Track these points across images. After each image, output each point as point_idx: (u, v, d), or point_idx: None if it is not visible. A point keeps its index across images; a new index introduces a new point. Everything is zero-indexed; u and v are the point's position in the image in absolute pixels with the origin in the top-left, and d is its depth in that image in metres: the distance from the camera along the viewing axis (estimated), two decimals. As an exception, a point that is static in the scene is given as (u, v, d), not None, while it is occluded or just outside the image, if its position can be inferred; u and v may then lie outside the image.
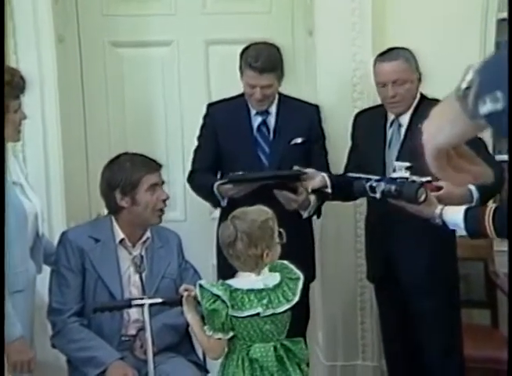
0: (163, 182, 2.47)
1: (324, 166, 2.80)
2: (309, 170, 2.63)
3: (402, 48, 2.66)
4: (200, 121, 2.95)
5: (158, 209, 2.40)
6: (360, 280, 3.19)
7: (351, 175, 2.57)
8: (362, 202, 3.08)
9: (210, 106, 2.91)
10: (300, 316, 2.81)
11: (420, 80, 2.67)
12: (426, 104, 2.61)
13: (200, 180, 2.83)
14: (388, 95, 2.60)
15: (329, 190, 2.66)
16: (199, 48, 3.38)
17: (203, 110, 3.36)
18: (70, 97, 3.23)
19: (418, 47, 2.91)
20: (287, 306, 2.10)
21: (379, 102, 2.80)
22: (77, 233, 2.41)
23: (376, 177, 2.38)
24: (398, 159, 2.60)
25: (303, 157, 2.75)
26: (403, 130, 2.65)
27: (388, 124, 2.70)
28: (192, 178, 2.88)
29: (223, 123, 2.83)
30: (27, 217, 2.27)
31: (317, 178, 2.63)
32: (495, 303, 3.12)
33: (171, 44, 3.38)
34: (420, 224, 2.47)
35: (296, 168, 2.62)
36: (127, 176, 2.34)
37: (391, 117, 2.69)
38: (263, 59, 2.64)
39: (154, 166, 2.41)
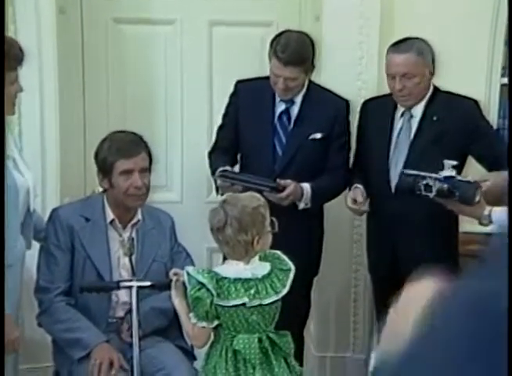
0: (147, 169, 2.39)
1: (339, 166, 2.72)
2: (286, 183, 2.54)
3: (418, 39, 2.58)
4: (202, 106, 2.90)
5: (132, 194, 2.34)
6: (355, 271, 3.16)
7: (407, 171, 2.42)
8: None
9: (238, 83, 2.83)
10: (300, 311, 2.80)
11: (433, 73, 2.60)
12: (440, 96, 2.58)
13: (213, 160, 2.77)
14: (396, 88, 2.55)
15: (302, 205, 2.61)
16: (202, 28, 3.32)
17: (205, 92, 3.35)
18: (70, 71, 3.17)
19: (426, 38, 2.87)
20: (275, 298, 2.06)
21: (383, 92, 2.75)
22: (68, 210, 2.37)
23: (434, 175, 2.30)
24: (409, 152, 2.58)
25: (320, 153, 2.68)
26: (415, 121, 2.60)
27: (399, 115, 2.64)
28: (210, 156, 2.82)
29: (247, 103, 2.76)
30: (19, 192, 2.23)
31: (290, 194, 2.54)
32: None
33: (174, 22, 3.32)
34: (428, 226, 2.52)
35: (278, 181, 2.55)
36: (103, 159, 2.31)
37: (401, 107, 2.63)
38: (290, 51, 2.55)
39: (132, 151, 2.33)
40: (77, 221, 2.32)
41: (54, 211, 2.38)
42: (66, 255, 2.29)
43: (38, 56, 2.88)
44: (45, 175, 2.95)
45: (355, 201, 2.73)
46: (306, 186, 2.63)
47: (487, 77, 3.13)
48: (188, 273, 2.01)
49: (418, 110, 2.59)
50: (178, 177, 3.32)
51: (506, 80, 3.14)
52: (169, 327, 2.40)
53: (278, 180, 2.56)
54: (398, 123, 2.64)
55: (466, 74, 3.09)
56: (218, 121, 2.95)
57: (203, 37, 3.32)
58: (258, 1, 3.32)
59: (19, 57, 2.20)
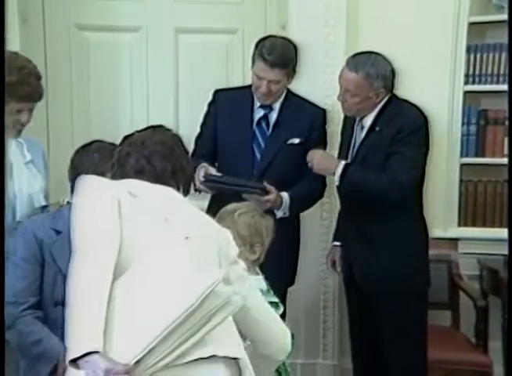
0: None
1: (316, 174, 2.70)
2: (271, 189, 2.57)
3: (375, 56, 2.56)
4: (167, 113, 2.89)
5: None
6: (323, 278, 3.18)
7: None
8: (327, 201, 3.06)
9: (216, 92, 2.84)
10: None
11: (390, 90, 2.60)
12: (393, 105, 2.60)
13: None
14: (339, 97, 2.62)
15: (280, 214, 2.64)
16: (168, 36, 3.30)
17: (171, 100, 3.32)
18: (33, 80, 3.10)
19: (390, 47, 2.91)
20: None
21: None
22: (37, 223, 2.29)
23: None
24: (352, 161, 2.62)
25: (297, 158, 2.68)
26: (364, 132, 2.63)
27: (356, 125, 2.68)
28: None
29: (225, 111, 2.77)
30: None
31: (273, 199, 2.57)
32: (457, 305, 3.14)
33: (139, 30, 3.29)
34: (381, 229, 2.55)
35: (265, 183, 2.58)
36: (93, 168, 2.24)
37: (357, 117, 2.66)
38: (277, 53, 2.60)
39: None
40: (47, 234, 2.24)
41: (22, 224, 2.31)
42: (36, 269, 2.22)
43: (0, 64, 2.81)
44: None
45: (334, 263, 2.84)
46: (285, 194, 2.65)
47: (450, 85, 3.18)
48: None
49: (368, 122, 2.62)
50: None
51: (469, 87, 3.20)
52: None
53: (265, 183, 2.58)
54: (356, 133, 2.68)
55: (429, 82, 3.14)
56: (184, 129, 2.93)
57: (169, 45, 3.30)
58: (224, 8, 3.31)
59: (24, 92, 2.20)
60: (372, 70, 2.52)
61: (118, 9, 3.26)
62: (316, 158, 2.60)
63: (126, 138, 1.76)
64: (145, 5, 3.30)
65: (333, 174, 2.58)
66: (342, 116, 2.81)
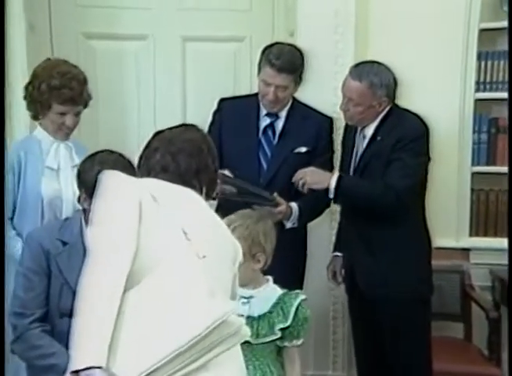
0: None
1: None
2: (281, 200, 2.55)
3: (378, 65, 2.55)
4: (175, 122, 2.80)
5: None
6: (332, 289, 3.13)
7: None
8: (336, 209, 3.02)
9: (222, 101, 2.82)
10: None
11: (392, 100, 2.58)
12: (395, 115, 2.58)
13: None
14: (341, 106, 2.61)
15: (289, 225, 2.62)
16: (175, 44, 3.29)
17: (178, 109, 3.30)
18: (39, 89, 3.09)
19: (400, 54, 2.89)
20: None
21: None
22: (44, 234, 2.27)
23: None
24: (354, 171, 2.63)
25: (304, 168, 2.63)
26: (365, 142, 2.61)
27: (358, 134, 2.67)
28: None
29: (230, 119, 2.75)
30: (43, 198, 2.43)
31: (279, 212, 2.55)
32: (469, 317, 3.09)
33: (146, 38, 3.28)
34: (383, 238, 2.54)
35: (275, 195, 2.55)
36: (94, 180, 2.21)
37: (358, 127, 2.65)
38: (284, 58, 2.59)
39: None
40: (53, 245, 2.21)
41: (29, 234, 2.29)
42: (43, 280, 2.19)
43: (7, 72, 2.80)
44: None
45: (334, 273, 2.84)
46: (294, 205, 2.62)
47: (460, 93, 3.15)
48: None
49: (369, 131, 2.61)
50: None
51: (480, 95, 3.17)
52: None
53: (275, 194, 2.55)
54: (358, 143, 2.67)
55: (439, 90, 3.11)
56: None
57: (176, 53, 3.29)
58: (231, 16, 3.30)
59: (69, 96, 2.38)
60: (375, 79, 2.51)
61: (125, 17, 3.24)
62: (308, 174, 2.57)
63: (157, 134, 1.74)
64: (152, 13, 3.28)
65: (327, 187, 2.55)
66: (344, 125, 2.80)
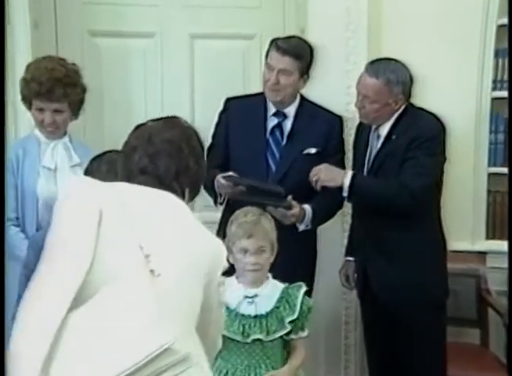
0: None
1: None
2: (294, 203, 2.48)
3: (395, 63, 2.51)
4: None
5: None
6: (345, 293, 3.07)
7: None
8: (348, 211, 2.95)
9: (228, 100, 2.75)
10: None
11: (408, 98, 2.54)
12: (410, 114, 2.54)
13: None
14: (356, 104, 2.57)
15: (302, 227, 2.56)
16: (184, 42, 3.22)
17: (186, 107, 3.23)
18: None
19: (414, 51, 2.81)
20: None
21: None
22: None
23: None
24: (369, 170, 2.59)
25: None
26: (380, 141, 2.57)
27: (372, 134, 2.62)
28: None
29: (237, 119, 2.68)
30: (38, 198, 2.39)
31: (293, 215, 2.49)
32: (485, 322, 3.01)
33: (154, 36, 3.22)
34: (397, 239, 2.50)
35: (289, 198, 2.47)
36: (102, 180, 2.14)
37: (373, 126, 2.61)
38: (292, 44, 2.56)
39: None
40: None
41: (33, 236, 2.24)
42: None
43: (12, 70, 2.77)
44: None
45: (347, 278, 2.81)
46: (307, 207, 2.55)
47: (477, 91, 3.07)
48: None
49: (384, 130, 2.56)
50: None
51: (497, 93, 3.09)
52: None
53: (289, 197, 2.48)
54: (372, 142, 2.62)
55: (455, 88, 3.04)
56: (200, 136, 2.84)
57: (185, 51, 3.22)
58: (241, 13, 3.23)
59: (37, 90, 2.36)
60: (392, 76, 2.47)
61: (132, 14, 3.18)
62: (322, 171, 2.52)
63: (137, 127, 1.62)
64: (159, 10, 3.22)
65: (341, 185, 2.50)
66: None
